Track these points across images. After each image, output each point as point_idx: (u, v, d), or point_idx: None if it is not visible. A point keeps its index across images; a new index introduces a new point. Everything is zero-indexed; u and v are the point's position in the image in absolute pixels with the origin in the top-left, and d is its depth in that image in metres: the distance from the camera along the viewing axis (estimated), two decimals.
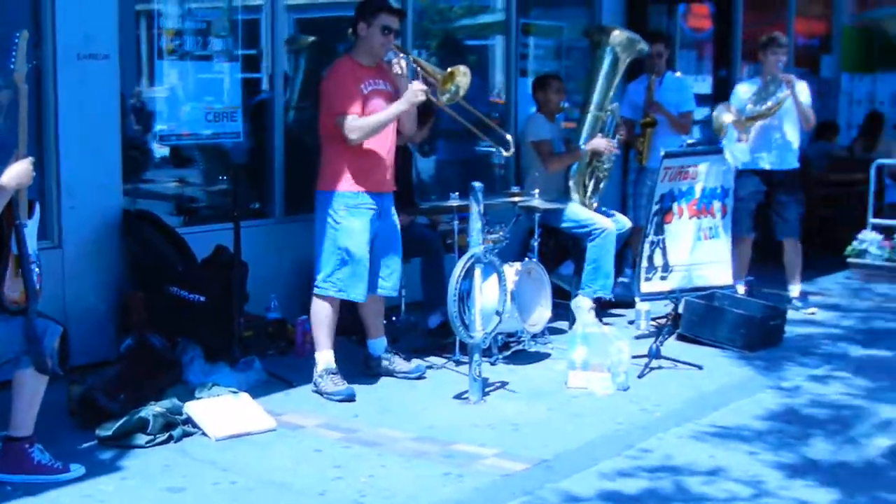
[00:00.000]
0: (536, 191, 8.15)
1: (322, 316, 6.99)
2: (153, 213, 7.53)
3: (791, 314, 8.98)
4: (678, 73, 10.64)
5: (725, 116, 9.01)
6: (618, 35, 8.99)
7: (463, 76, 7.03)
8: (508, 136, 7.73)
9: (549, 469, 5.69)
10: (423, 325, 8.20)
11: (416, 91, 6.85)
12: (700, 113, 11.29)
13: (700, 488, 5.51)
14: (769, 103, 9.12)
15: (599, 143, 8.92)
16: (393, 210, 7.18)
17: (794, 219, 9.53)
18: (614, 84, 9.04)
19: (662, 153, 8.19)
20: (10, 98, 5.30)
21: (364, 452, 5.89)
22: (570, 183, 8.87)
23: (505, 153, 7.80)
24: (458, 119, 7.50)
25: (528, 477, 5.58)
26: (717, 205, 8.23)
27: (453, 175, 10.09)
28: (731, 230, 8.57)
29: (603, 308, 8.76)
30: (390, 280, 7.17)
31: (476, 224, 6.82)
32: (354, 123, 6.82)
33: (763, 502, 5.35)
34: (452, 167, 10.40)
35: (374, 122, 6.85)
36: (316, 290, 6.99)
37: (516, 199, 8.11)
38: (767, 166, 9.38)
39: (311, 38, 9.38)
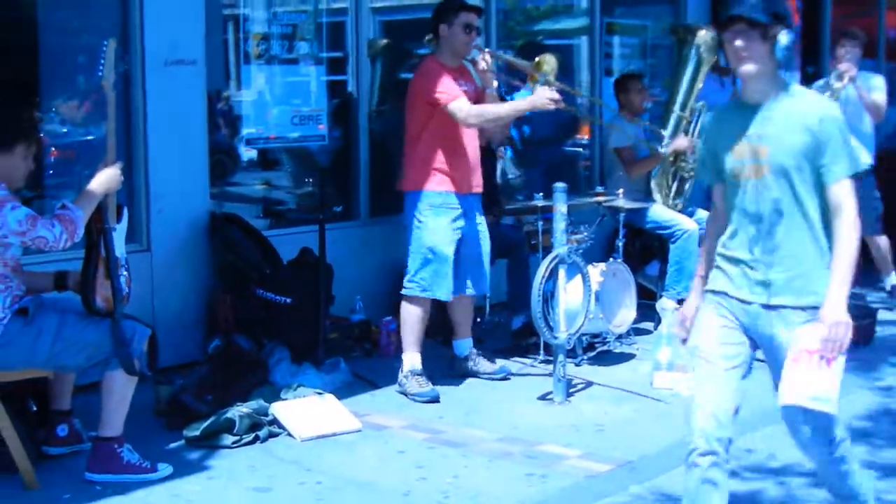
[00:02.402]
0: (621, 191, 8.12)
1: (410, 317, 7.01)
2: (240, 216, 7.60)
3: (883, 314, 8.83)
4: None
5: None
6: (703, 35, 8.89)
7: (548, 64, 7.03)
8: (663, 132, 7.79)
9: (633, 470, 5.67)
10: (507, 326, 8.19)
11: (544, 99, 6.79)
12: None
13: (795, 488, 5.48)
14: (825, 95, 8.98)
15: (681, 143, 8.82)
16: (480, 211, 7.19)
17: (869, 216, 9.33)
18: (698, 84, 8.95)
19: (866, 156, 8.10)
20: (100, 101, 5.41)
21: (448, 453, 5.92)
22: (653, 184, 8.79)
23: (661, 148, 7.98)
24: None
25: (613, 478, 5.58)
26: None
27: (539, 176, 10.08)
28: None
29: None
30: (479, 280, 7.18)
31: (560, 225, 6.81)
32: (472, 109, 6.84)
33: None
34: (538, 168, 10.38)
35: (493, 113, 6.93)
36: (403, 291, 7.03)
37: (601, 199, 8.09)
38: None
39: (395, 41, 9.43)
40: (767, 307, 4.25)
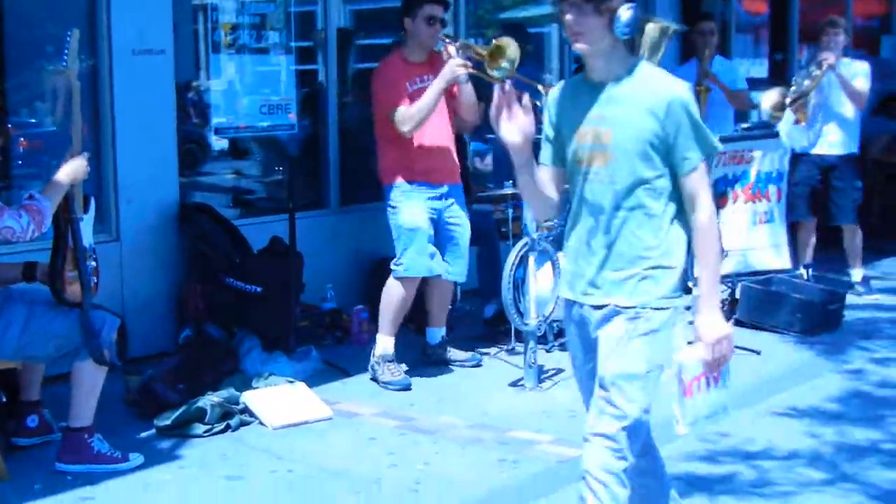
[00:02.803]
0: None
1: (392, 297, 6.96)
2: (210, 206, 7.59)
3: (851, 299, 8.89)
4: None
5: (766, 97, 8.91)
6: (651, 28, 8.79)
7: (508, 47, 6.91)
8: (540, 86, 7.67)
9: None
10: (479, 314, 8.19)
11: (452, 66, 6.79)
12: (756, 97, 11.19)
13: (770, 471, 5.54)
14: (806, 83, 8.99)
15: None
16: (459, 199, 7.17)
17: (847, 205, 9.34)
18: None
19: (716, 137, 8.10)
20: (65, 91, 5.38)
21: (420, 440, 5.92)
22: None
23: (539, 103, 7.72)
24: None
25: None
26: (772, 189, 8.16)
27: (509, 162, 10.09)
28: (789, 215, 8.51)
29: None
30: (455, 265, 7.16)
31: (529, 212, 6.82)
32: (405, 115, 6.81)
33: (836, 485, 5.36)
34: (508, 154, 10.39)
35: (420, 107, 6.80)
36: (392, 274, 7.00)
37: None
38: (818, 150, 9.25)
39: (364, 30, 9.42)
40: (597, 308, 3.86)
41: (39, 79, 7.27)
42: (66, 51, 5.29)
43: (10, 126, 7.07)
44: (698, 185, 3.76)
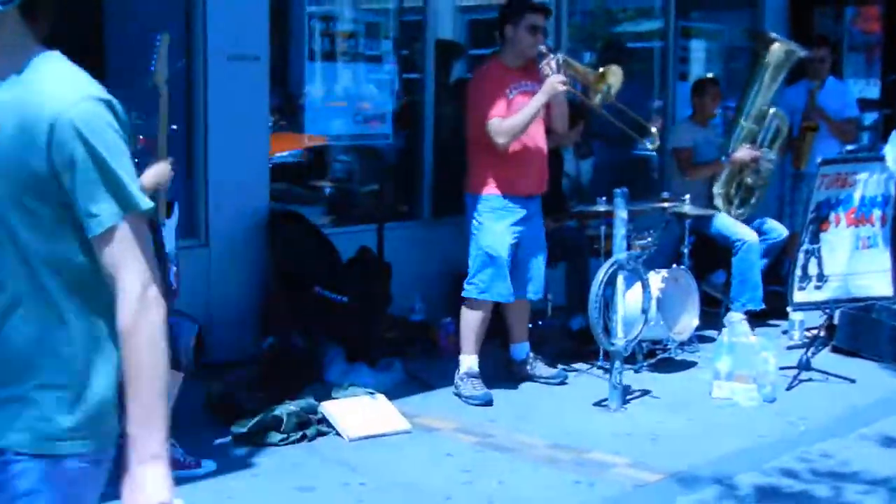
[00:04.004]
0: (687, 196, 7.97)
1: (468, 319, 6.93)
2: (300, 213, 7.59)
3: None
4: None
5: None
6: (777, 48, 8.68)
7: (613, 76, 6.94)
8: (654, 129, 7.56)
9: (682, 481, 5.55)
10: (567, 329, 8.07)
11: (553, 83, 6.71)
12: (868, 118, 10.91)
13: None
14: None
15: (743, 154, 8.62)
16: (539, 213, 7.10)
17: None
18: (771, 94, 8.73)
19: (819, 160, 7.91)
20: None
21: (496, 457, 5.84)
22: (714, 191, 8.62)
23: (650, 146, 7.63)
24: (603, 114, 7.34)
25: (661, 489, 5.48)
26: (876, 213, 7.91)
27: (606, 179, 9.98)
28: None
29: (758, 318, 8.48)
30: (534, 284, 7.09)
31: (619, 230, 6.71)
32: (501, 127, 6.73)
33: None
34: (605, 171, 10.27)
35: (518, 122, 6.73)
36: (463, 294, 6.96)
37: (666, 204, 7.96)
38: None
39: (462, 41, 9.38)
40: None
41: (138, 81, 7.35)
42: (154, 56, 5.33)
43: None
44: (118, 256, 2.32)
